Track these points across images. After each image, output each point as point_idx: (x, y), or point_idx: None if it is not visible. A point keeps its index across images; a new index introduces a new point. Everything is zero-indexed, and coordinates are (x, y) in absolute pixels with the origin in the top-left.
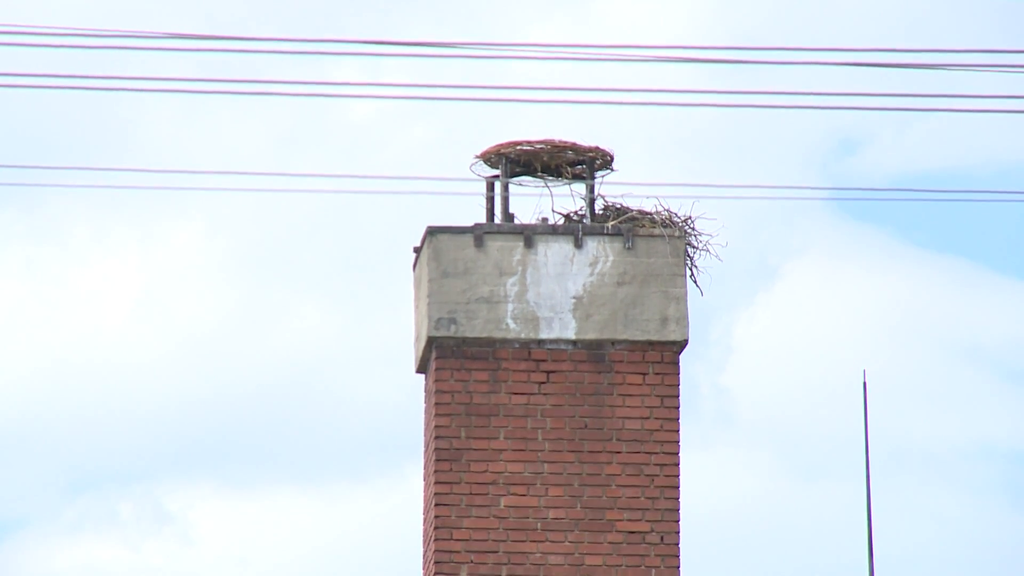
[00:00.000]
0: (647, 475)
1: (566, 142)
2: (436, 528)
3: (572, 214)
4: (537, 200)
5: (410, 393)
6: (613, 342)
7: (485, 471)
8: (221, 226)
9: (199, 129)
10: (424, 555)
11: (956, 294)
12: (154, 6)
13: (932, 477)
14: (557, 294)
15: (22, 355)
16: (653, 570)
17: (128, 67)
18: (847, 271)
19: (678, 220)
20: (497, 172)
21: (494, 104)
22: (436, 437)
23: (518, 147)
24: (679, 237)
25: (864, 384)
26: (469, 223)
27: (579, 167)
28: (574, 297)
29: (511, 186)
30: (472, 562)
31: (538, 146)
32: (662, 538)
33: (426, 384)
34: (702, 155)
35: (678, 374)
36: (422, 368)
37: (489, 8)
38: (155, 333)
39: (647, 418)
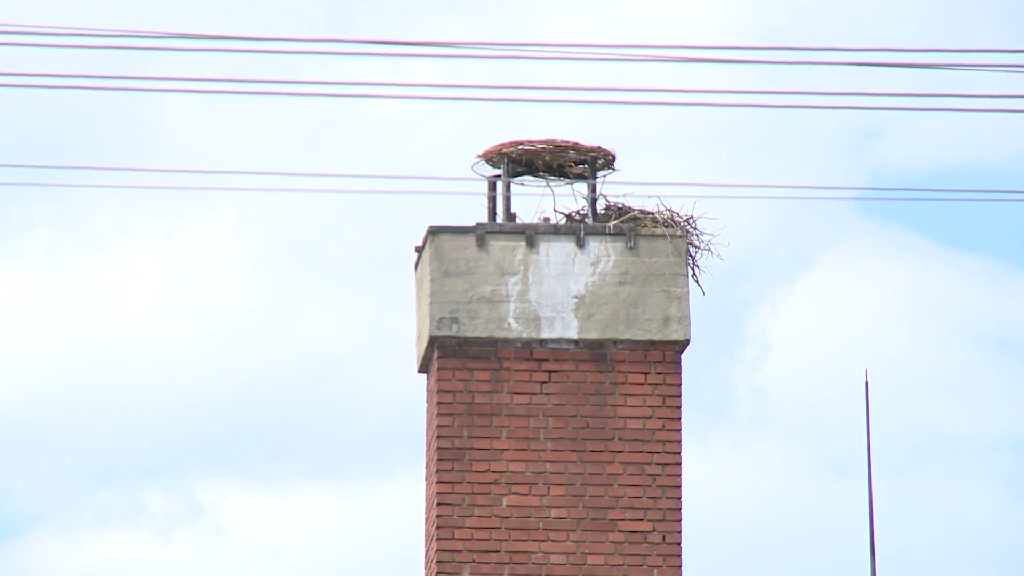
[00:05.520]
0: (649, 474)
1: (568, 142)
2: (438, 527)
3: (574, 214)
4: (539, 200)
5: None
6: (615, 341)
7: (487, 470)
8: (245, 222)
9: (221, 128)
10: (426, 554)
11: (986, 289)
12: (177, 7)
13: (963, 470)
14: (559, 294)
15: (44, 347)
16: (655, 569)
17: (154, 68)
18: (872, 268)
19: (680, 220)
20: (499, 172)
21: (517, 104)
22: (438, 436)
23: (520, 147)
24: (681, 236)
25: (866, 384)
26: (471, 223)
27: (581, 167)
28: (576, 297)
29: (513, 186)
30: (474, 561)
31: (540, 146)
32: (664, 537)
33: (428, 384)
34: (720, 154)
35: (680, 373)
36: (424, 368)
37: (512, 7)
38: (179, 327)
39: (649, 417)
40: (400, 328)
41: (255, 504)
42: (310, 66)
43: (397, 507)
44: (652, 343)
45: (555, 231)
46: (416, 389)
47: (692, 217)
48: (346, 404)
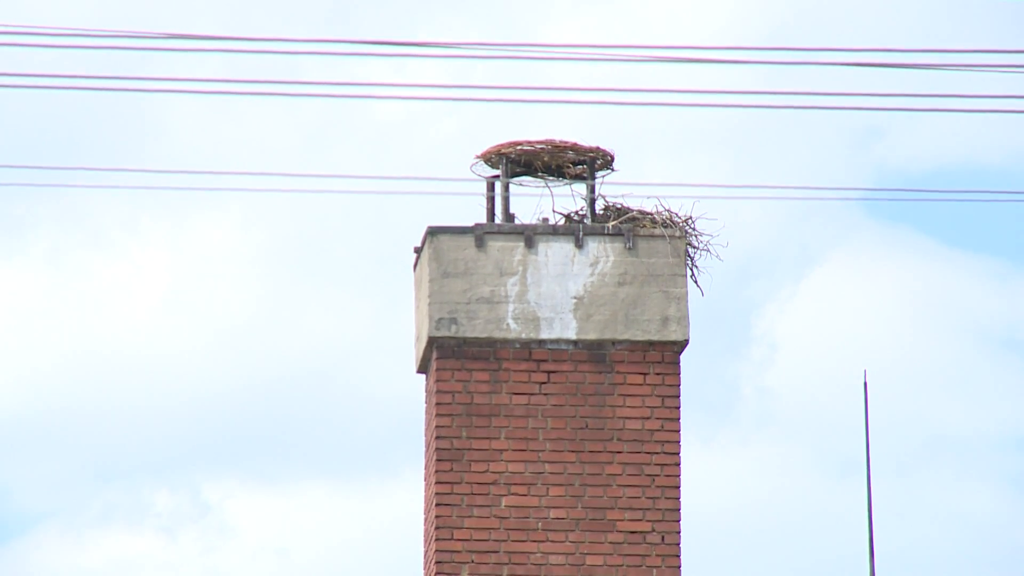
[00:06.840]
0: (648, 475)
1: (567, 142)
2: (437, 528)
3: (573, 214)
4: (538, 200)
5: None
6: (614, 342)
7: (486, 471)
8: (249, 221)
9: (225, 128)
10: (425, 555)
11: (990, 289)
12: (179, 7)
13: (967, 469)
14: (558, 294)
15: (49, 345)
16: (654, 570)
17: (157, 68)
18: (878, 268)
19: (679, 220)
20: (498, 172)
21: (519, 104)
22: (437, 437)
23: (519, 147)
24: (679, 237)
25: (865, 384)
26: (470, 223)
27: (580, 167)
28: (575, 297)
29: (512, 186)
30: (473, 562)
31: (539, 146)
32: (663, 538)
33: (427, 384)
34: (721, 154)
35: (679, 374)
36: (423, 368)
37: (514, 8)
38: (183, 326)
39: (648, 418)
40: (403, 328)
41: (260, 503)
42: (313, 66)
43: (401, 507)
44: (651, 343)
45: (554, 232)
46: (418, 389)
47: (691, 218)
48: (351, 403)
